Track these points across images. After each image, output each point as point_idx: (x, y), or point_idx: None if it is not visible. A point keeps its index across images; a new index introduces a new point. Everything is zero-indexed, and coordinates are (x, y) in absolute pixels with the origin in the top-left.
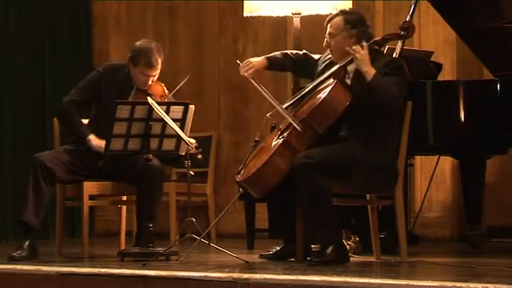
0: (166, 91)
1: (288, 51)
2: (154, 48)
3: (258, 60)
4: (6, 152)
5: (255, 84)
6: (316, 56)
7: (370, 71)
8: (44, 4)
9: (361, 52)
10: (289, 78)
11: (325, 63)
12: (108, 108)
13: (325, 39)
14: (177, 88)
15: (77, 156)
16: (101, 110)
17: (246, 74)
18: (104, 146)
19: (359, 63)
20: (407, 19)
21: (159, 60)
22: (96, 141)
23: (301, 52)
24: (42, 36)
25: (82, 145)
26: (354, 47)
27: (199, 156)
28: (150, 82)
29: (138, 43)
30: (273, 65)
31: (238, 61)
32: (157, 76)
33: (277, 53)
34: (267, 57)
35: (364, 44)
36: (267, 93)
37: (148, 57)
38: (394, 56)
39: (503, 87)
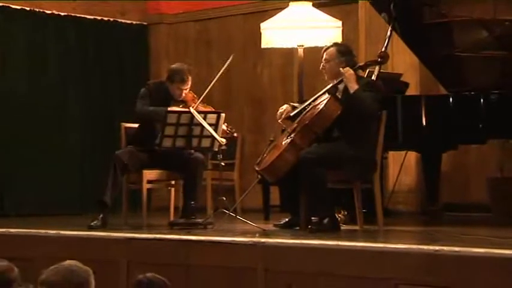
0: (196, 96)
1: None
2: (185, 69)
3: (288, 108)
4: (86, 151)
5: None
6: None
7: (353, 86)
8: (114, 39)
9: (349, 72)
10: (295, 93)
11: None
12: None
13: (322, 64)
14: (203, 95)
15: (140, 153)
16: None
17: (280, 120)
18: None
19: (346, 80)
20: (383, 49)
21: (189, 77)
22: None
23: None
24: (112, 63)
25: (141, 145)
26: (344, 69)
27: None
28: (183, 94)
29: (173, 66)
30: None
31: (278, 112)
32: (188, 88)
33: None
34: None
35: (351, 69)
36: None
37: (181, 75)
38: (373, 77)
39: (454, 100)
